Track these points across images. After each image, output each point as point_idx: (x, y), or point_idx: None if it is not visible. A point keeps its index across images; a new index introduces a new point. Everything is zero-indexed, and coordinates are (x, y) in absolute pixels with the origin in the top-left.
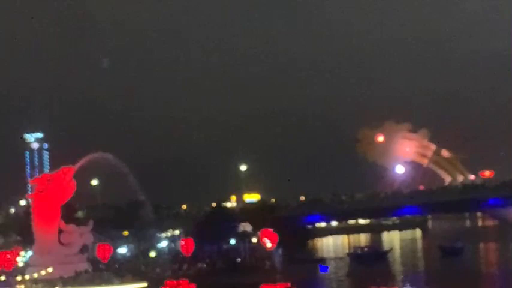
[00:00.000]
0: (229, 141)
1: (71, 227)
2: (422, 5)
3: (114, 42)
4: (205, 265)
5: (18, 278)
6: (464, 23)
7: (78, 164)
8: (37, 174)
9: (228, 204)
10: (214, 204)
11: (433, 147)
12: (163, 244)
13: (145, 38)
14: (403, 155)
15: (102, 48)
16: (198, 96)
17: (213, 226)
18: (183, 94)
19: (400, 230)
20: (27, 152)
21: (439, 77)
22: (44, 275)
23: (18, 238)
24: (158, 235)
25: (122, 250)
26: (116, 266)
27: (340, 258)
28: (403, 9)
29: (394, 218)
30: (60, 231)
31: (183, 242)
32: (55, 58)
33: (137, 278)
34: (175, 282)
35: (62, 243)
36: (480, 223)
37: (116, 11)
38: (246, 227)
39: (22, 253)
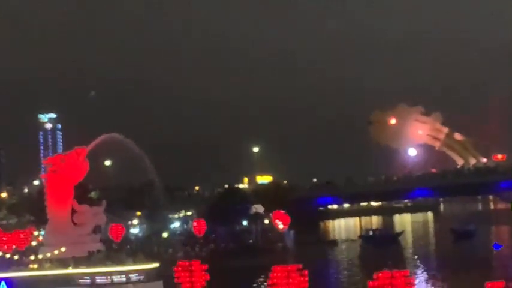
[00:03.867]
0: (242, 123)
1: (84, 207)
2: None
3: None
4: (217, 246)
5: (32, 257)
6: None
7: (92, 145)
8: (50, 154)
9: (241, 186)
10: (226, 186)
11: (446, 130)
12: (176, 225)
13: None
14: (416, 137)
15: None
16: (212, 77)
17: (225, 208)
18: (197, 75)
19: (412, 212)
20: (41, 133)
21: (455, 64)
22: (56, 255)
23: (32, 218)
24: (171, 216)
25: (135, 230)
26: (128, 246)
27: (352, 240)
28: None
29: (406, 200)
30: (73, 212)
31: (195, 223)
32: (71, 41)
33: (149, 258)
34: (187, 262)
35: (75, 223)
36: (492, 206)
37: None
38: (258, 208)
39: (35, 233)
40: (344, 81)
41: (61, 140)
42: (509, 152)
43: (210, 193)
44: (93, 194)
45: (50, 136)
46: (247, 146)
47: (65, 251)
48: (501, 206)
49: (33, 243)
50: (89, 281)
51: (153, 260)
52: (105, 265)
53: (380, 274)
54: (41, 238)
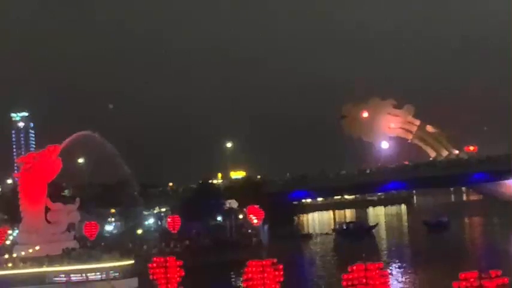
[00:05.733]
0: (215, 118)
1: (58, 205)
2: None
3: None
4: (192, 242)
5: (6, 256)
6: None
7: (65, 143)
8: (23, 153)
9: (214, 182)
10: (200, 182)
11: (418, 122)
12: (150, 221)
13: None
14: (388, 130)
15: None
16: (183, 73)
17: (199, 203)
18: (168, 72)
19: (385, 205)
20: (14, 131)
21: (427, 58)
22: (31, 253)
23: (6, 217)
24: (145, 213)
25: (109, 228)
26: (103, 243)
27: (326, 234)
28: None
29: (380, 193)
30: (47, 210)
31: (169, 220)
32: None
33: (124, 255)
34: (162, 259)
35: (49, 222)
36: (464, 198)
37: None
38: (232, 204)
39: (9, 232)
40: (317, 76)
41: (34, 139)
42: (481, 144)
43: (184, 189)
44: (66, 192)
45: (22, 135)
46: (220, 141)
47: (39, 250)
48: (473, 197)
49: (7, 242)
50: (64, 279)
51: (128, 257)
52: (79, 262)
53: (354, 267)
54: (12, 238)
